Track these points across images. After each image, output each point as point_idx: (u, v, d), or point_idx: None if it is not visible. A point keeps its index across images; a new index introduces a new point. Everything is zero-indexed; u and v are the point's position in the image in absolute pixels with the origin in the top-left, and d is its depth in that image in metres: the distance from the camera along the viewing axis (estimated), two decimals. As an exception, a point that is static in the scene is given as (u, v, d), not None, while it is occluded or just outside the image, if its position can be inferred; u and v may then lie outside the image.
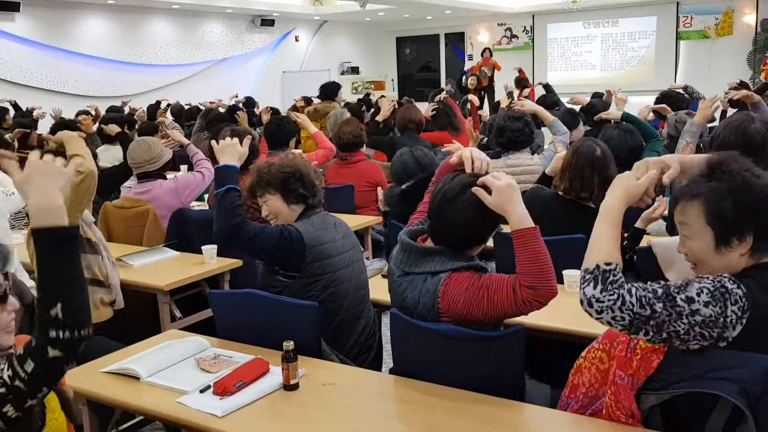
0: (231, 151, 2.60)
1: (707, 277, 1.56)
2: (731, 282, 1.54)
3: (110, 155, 5.70)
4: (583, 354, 1.82)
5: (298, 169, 2.60)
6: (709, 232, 1.60)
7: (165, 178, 4.04)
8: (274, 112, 7.95)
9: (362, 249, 2.94)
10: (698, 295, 1.51)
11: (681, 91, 6.28)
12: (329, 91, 7.80)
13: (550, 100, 7.56)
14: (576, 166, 2.89)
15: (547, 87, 8.35)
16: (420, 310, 2.00)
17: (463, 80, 11.44)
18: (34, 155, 1.48)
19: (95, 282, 2.93)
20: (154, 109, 9.26)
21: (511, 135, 4.04)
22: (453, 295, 1.91)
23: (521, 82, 10.70)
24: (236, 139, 2.67)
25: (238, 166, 2.59)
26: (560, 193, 3.01)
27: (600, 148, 2.92)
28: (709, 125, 4.76)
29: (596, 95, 7.47)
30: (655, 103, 5.67)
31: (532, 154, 4.17)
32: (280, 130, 4.72)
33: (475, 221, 1.95)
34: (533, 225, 1.87)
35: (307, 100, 9.29)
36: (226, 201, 2.44)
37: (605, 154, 2.91)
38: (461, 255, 1.99)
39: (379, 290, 2.68)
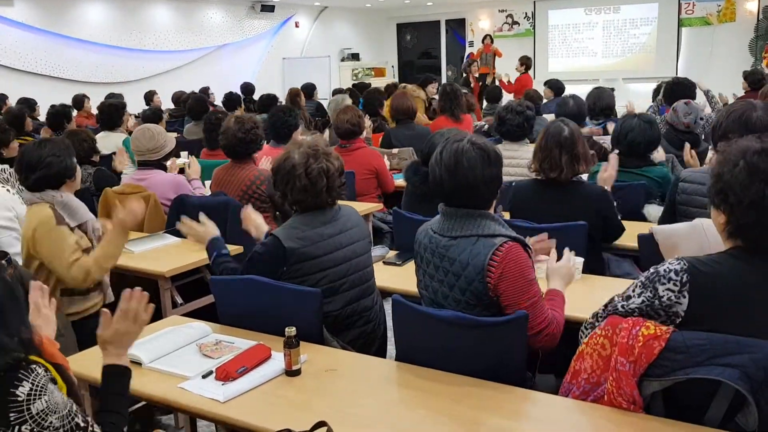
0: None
1: (651, 269, 1.73)
2: (671, 264, 1.67)
3: (109, 142, 5.69)
4: (585, 340, 1.82)
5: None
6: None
7: (165, 168, 4.02)
8: (273, 100, 7.91)
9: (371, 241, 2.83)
10: (633, 290, 1.75)
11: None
12: (424, 79, 8.91)
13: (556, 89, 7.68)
14: (545, 147, 2.99)
15: (553, 87, 8.04)
16: (468, 272, 2.04)
17: (466, 72, 11.42)
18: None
19: None
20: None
21: (510, 128, 4.23)
22: (509, 271, 2.01)
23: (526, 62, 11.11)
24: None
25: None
26: (534, 175, 3.13)
27: (568, 128, 3.00)
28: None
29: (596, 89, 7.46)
30: (663, 91, 5.65)
31: (531, 143, 4.32)
32: (281, 122, 4.68)
33: (489, 177, 2.09)
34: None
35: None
36: (214, 267, 2.63)
37: (573, 132, 2.99)
38: (494, 217, 2.10)
39: (381, 277, 2.67)
